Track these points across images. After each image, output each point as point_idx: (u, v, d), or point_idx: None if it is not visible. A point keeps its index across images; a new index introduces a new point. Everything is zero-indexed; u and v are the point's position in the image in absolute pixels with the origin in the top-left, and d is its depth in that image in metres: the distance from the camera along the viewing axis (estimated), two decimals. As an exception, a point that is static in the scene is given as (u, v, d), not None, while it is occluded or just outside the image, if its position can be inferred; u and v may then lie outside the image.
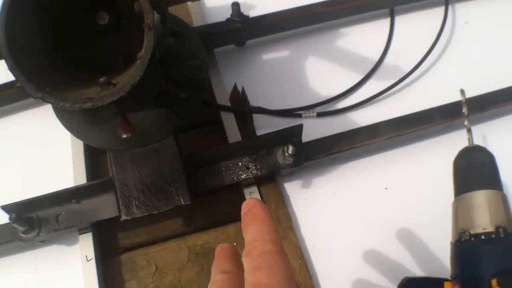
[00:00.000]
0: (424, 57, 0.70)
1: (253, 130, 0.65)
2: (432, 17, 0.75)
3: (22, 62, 0.40)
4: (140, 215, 0.52)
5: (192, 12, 0.75)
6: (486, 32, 0.74)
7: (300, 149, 0.56)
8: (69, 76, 0.46)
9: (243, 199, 0.59)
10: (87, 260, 0.55)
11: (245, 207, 0.34)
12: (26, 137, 0.65)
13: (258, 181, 0.59)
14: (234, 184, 0.57)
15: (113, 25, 0.49)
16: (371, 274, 0.54)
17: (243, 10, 0.67)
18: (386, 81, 0.68)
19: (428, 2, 0.76)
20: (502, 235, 0.42)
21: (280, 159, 0.57)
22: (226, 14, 0.67)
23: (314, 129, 0.62)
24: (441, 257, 0.54)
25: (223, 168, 0.57)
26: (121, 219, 0.52)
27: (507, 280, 0.39)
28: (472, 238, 0.43)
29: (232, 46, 0.72)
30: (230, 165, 0.57)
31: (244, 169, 0.57)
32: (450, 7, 0.76)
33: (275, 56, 0.72)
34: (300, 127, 0.57)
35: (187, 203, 0.52)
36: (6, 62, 0.40)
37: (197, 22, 0.74)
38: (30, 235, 0.53)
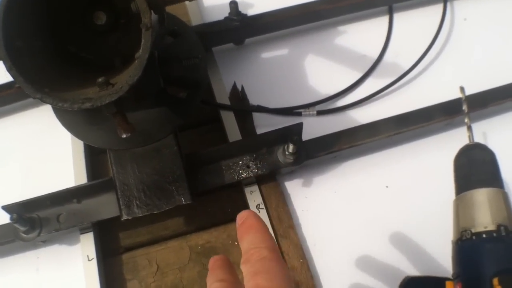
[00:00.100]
0: (423, 55, 0.70)
1: (253, 128, 0.65)
2: (430, 14, 0.75)
3: (20, 63, 0.40)
4: (141, 215, 0.52)
5: (190, 11, 0.75)
6: (485, 29, 0.74)
7: (300, 147, 0.56)
8: (67, 77, 0.46)
9: (244, 198, 0.59)
10: (89, 260, 0.55)
11: (239, 219, 0.35)
12: (26, 137, 0.65)
13: (259, 180, 0.59)
14: (234, 183, 0.57)
15: (111, 25, 0.49)
16: (373, 273, 0.54)
17: (241, 8, 0.66)
18: (386, 78, 0.68)
19: (426, 0, 0.76)
20: (503, 234, 0.42)
21: (280, 157, 0.57)
22: (224, 12, 0.67)
23: (314, 127, 0.62)
24: (442, 255, 0.54)
25: (223, 167, 0.57)
26: (122, 219, 0.52)
27: (508, 279, 0.39)
28: (474, 237, 0.43)
29: (230, 44, 0.72)
30: (231, 164, 0.57)
31: (244, 168, 0.57)
32: (448, 4, 0.75)
33: (274, 54, 0.72)
34: (300, 126, 0.57)
35: (188, 202, 0.52)
36: (4, 63, 0.40)
37: (195, 21, 0.73)
38: (31, 235, 0.53)
